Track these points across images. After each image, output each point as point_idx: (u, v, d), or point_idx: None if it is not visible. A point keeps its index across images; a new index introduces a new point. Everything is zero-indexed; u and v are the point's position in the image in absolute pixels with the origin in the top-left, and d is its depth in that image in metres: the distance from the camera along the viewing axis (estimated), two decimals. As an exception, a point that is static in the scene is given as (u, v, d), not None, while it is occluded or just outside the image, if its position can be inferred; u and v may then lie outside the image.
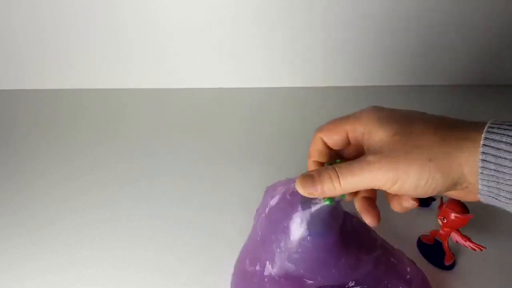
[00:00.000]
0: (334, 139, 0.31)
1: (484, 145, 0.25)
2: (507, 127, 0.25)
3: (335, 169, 0.28)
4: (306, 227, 0.32)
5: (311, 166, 0.31)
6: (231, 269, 0.44)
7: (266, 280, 0.35)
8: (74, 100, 0.68)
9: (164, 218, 0.50)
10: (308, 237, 0.32)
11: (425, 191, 0.26)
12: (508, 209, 0.26)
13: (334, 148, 0.31)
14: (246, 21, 0.60)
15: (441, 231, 0.42)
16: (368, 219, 0.29)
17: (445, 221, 0.40)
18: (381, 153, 0.27)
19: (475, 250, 0.39)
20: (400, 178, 0.26)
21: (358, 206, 0.30)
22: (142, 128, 0.63)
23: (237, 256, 0.44)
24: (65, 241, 0.48)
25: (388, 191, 0.28)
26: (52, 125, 0.64)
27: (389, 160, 0.26)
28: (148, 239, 0.48)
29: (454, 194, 0.28)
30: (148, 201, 0.52)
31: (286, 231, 0.33)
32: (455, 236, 0.41)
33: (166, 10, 0.59)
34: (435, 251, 0.44)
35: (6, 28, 0.62)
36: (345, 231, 0.34)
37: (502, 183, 0.25)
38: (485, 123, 0.26)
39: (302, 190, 0.29)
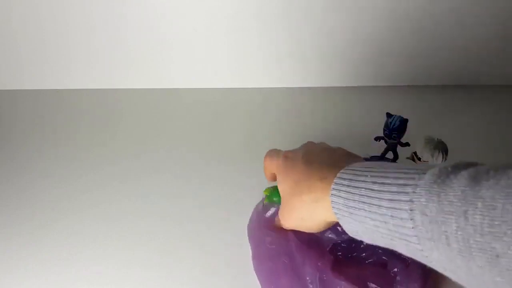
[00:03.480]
0: (271, 172, 0.42)
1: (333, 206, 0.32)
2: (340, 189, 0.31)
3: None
4: None
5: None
6: (231, 269, 0.44)
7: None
8: (74, 100, 0.68)
9: (164, 218, 0.50)
10: None
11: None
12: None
13: None
14: (246, 21, 0.60)
15: None
16: None
17: None
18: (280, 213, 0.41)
19: None
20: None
21: None
22: (142, 128, 0.63)
23: (237, 257, 0.45)
24: (65, 241, 0.48)
25: None
26: (52, 125, 0.64)
27: (282, 206, 0.40)
28: (149, 239, 0.48)
29: None
30: (149, 201, 0.52)
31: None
32: None
33: (166, 10, 0.59)
34: None
35: (6, 28, 0.62)
36: None
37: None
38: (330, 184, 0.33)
39: None
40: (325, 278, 0.38)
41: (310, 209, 0.35)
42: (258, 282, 0.42)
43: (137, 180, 0.55)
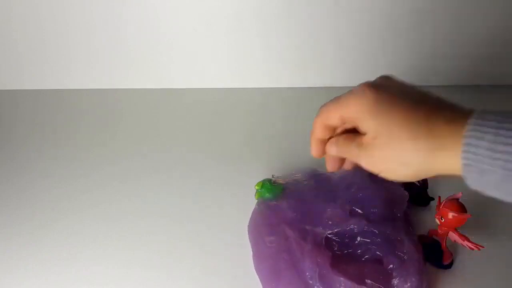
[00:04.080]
0: (331, 122, 0.33)
1: (464, 164, 0.26)
2: (484, 131, 0.26)
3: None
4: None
5: (313, 143, 0.35)
6: (231, 269, 0.44)
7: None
8: (74, 100, 0.68)
9: (164, 218, 0.50)
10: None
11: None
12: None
13: (334, 126, 0.34)
14: (246, 21, 0.60)
15: (439, 230, 0.42)
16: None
17: (443, 220, 0.40)
18: (365, 147, 0.31)
19: (473, 249, 0.39)
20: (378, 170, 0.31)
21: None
22: (142, 128, 0.63)
23: (237, 257, 0.45)
24: (65, 241, 0.48)
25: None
26: (52, 125, 0.64)
27: (369, 157, 0.31)
28: (149, 239, 0.48)
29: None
30: (149, 201, 0.52)
31: None
32: (453, 236, 0.41)
33: (166, 10, 0.59)
34: (433, 250, 0.44)
35: (6, 28, 0.62)
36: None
37: (487, 185, 0.27)
38: (461, 127, 0.27)
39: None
40: (324, 273, 0.39)
41: (425, 157, 0.28)
42: (258, 282, 0.42)
43: (137, 180, 0.55)
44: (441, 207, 0.40)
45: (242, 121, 0.63)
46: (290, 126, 0.62)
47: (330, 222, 0.43)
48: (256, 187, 0.47)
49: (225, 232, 0.48)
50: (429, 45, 0.62)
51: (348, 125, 0.33)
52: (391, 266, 0.40)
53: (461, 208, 0.39)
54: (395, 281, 0.38)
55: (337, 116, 0.32)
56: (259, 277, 0.42)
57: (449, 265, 0.43)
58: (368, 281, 0.38)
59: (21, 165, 0.57)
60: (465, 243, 0.40)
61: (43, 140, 0.61)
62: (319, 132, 0.34)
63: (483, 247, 0.39)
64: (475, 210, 0.41)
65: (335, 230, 0.43)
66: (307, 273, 0.39)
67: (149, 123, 0.64)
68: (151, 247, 0.47)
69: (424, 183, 0.49)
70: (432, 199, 0.49)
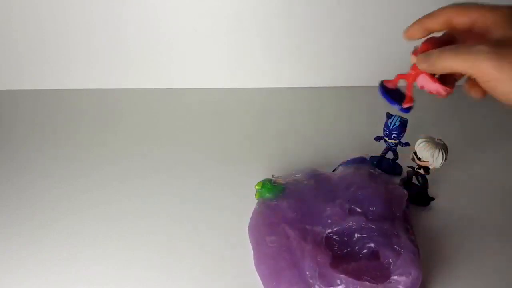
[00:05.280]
0: (461, 20, 0.32)
1: None
2: None
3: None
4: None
5: (414, 28, 0.34)
6: (231, 269, 0.44)
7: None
8: (74, 100, 0.68)
9: (164, 218, 0.50)
10: None
11: None
12: None
13: (451, 29, 0.33)
14: (246, 21, 0.60)
15: (410, 71, 0.37)
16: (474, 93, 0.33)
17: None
18: (496, 46, 0.28)
19: (440, 94, 0.35)
20: (499, 80, 0.28)
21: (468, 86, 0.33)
22: (142, 128, 0.63)
23: (238, 257, 0.45)
24: (65, 241, 0.48)
25: (480, 83, 0.29)
26: (52, 125, 0.64)
27: (499, 56, 0.27)
28: (149, 239, 0.48)
29: None
30: (149, 201, 0.52)
31: None
32: (423, 79, 0.36)
33: (166, 10, 0.59)
34: (395, 95, 0.40)
35: (6, 28, 0.62)
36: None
37: None
38: None
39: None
40: (324, 272, 0.39)
41: None
42: (258, 282, 0.42)
43: (137, 180, 0.55)
44: (423, 44, 0.36)
45: (242, 121, 0.63)
46: (290, 126, 0.62)
47: (329, 221, 0.43)
48: (257, 187, 0.47)
49: (225, 232, 0.48)
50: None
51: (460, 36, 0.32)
52: (387, 260, 0.40)
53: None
54: (394, 277, 0.39)
55: (472, 18, 0.31)
56: (259, 276, 0.42)
57: (408, 109, 0.39)
58: (366, 279, 0.39)
59: (21, 165, 0.57)
60: (435, 85, 0.35)
61: (43, 140, 0.61)
62: (434, 23, 0.33)
63: (452, 90, 0.35)
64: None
65: (335, 229, 0.43)
66: (307, 272, 0.39)
67: (149, 123, 0.64)
68: (151, 247, 0.47)
69: (424, 183, 0.49)
70: (433, 199, 0.49)
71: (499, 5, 0.31)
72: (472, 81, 0.31)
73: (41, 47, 0.64)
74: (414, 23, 0.34)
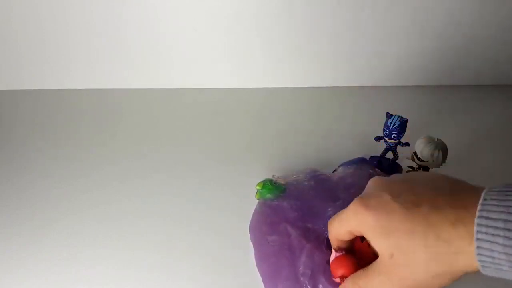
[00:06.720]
0: (343, 238, 0.34)
1: (482, 266, 0.26)
2: (495, 234, 0.25)
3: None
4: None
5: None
6: (231, 269, 0.44)
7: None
8: (74, 100, 0.68)
9: (164, 218, 0.50)
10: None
11: None
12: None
13: (348, 238, 0.35)
14: (246, 21, 0.60)
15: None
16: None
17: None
18: (379, 268, 0.30)
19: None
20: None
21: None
22: (142, 128, 0.63)
23: (238, 257, 0.45)
24: (65, 241, 0.48)
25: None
26: (52, 125, 0.64)
27: (385, 278, 0.30)
28: (149, 239, 0.48)
29: None
30: (149, 201, 0.52)
31: None
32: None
33: (166, 10, 0.59)
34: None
35: (6, 28, 0.62)
36: None
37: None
38: (470, 228, 0.26)
39: None
40: (321, 270, 0.39)
41: (445, 263, 0.27)
42: (258, 282, 0.42)
43: (137, 180, 0.55)
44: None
45: (243, 121, 0.63)
46: (291, 126, 0.62)
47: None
48: (257, 187, 0.47)
49: (225, 232, 0.48)
50: (429, 45, 0.62)
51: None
52: None
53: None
54: None
55: (346, 232, 0.33)
56: (260, 275, 0.42)
57: None
58: None
59: (21, 165, 0.57)
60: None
61: (43, 140, 0.61)
62: (338, 244, 0.36)
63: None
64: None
65: None
66: (300, 268, 0.40)
67: (149, 123, 0.64)
68: (151, 247, 0.47)
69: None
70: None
71: (361, 216, 0.32)
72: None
73: (41, 47, 0.64)
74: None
